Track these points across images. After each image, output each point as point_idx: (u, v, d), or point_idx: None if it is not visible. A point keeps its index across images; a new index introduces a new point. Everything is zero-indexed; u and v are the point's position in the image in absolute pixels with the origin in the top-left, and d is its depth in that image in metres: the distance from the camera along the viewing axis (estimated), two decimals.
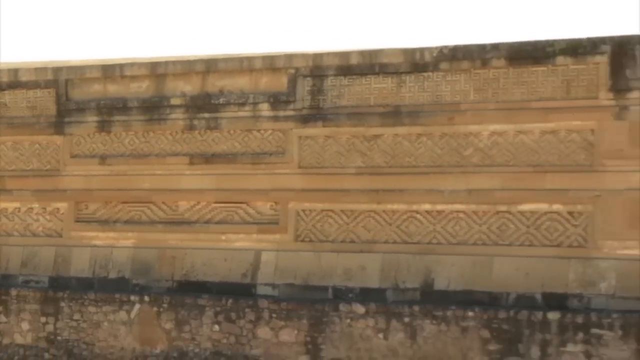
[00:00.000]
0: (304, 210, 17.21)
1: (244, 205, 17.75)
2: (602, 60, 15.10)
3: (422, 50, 16.26)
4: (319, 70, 17.09)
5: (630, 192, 14.93)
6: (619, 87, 14.97)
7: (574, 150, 15.39)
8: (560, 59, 15.37)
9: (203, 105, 17.97)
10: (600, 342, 14.33)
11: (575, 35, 16.03)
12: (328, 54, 17.11)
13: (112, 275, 18.65)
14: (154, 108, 18.40)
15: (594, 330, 14.40)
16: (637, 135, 14.85)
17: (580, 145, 15.34)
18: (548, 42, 15.57)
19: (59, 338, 18.16)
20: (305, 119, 17.10)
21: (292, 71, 17.28)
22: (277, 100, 17.35)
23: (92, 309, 17.91)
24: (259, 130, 17.59)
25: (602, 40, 15.19)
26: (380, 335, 15.53)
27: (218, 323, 16.79)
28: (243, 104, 17.67)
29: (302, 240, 17.17)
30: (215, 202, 17.93)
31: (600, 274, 15.07)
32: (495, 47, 15.85)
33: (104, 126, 18.81)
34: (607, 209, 15.11)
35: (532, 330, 14.65)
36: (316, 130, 17.04)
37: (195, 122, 18.06)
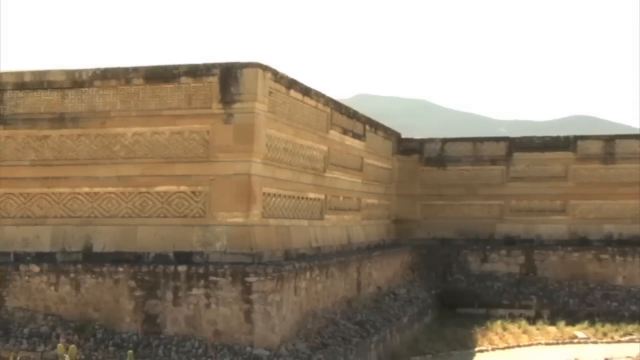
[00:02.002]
0: None
1: None
2: (214, 80, 21.16)
3: (80, 71, 21.80)
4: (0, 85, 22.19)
5: (236, 176, 21.11)
6: (226, 100, 21.07)
7: (195, 146, 21.36)
8: (183, 79, 21.39)
9: None
10: (217, 286, 19.63)
11: (196, 61, 22.39)
12: (6, 73, 22.46)
13: None
14: None
15: (212, 278, 19.69)
16: (239, 135, 21.03)
17: (199, 142, 21.41)
18: (174, 66, 21.57)
19: None
20: None
21: None
22: None
23: None
24: None
25: (214, 66, 21.28)
26: (52, 288, 20.55)
27: None
28: None
29: None
30: None
31: (215, 236, 21.05)
32: (136, 69, 21.66)
33: None
34: (220, 189, 21.14)
35: (167, 279, 19.96)
36: None
37: None
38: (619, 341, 30.41)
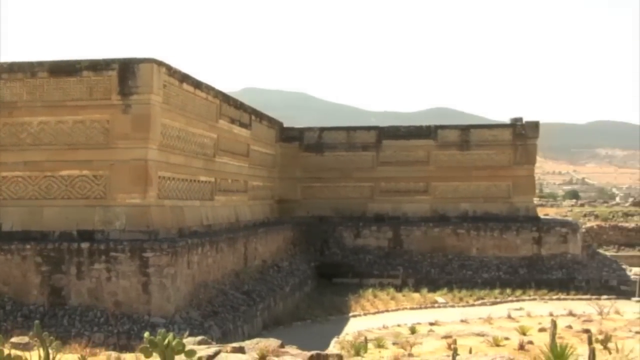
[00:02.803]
0: None
1: None
2: (113, 74, 21.42)
3: None
4: None
5: (134, 161, 21.47)
6: (124, 92, 21.39)
7: (96, 134, 21.58)
8: (85, 73, 21.50)
9: None
10: (117, 261, 20.01)
11: (97, 56, 22.60)
12: None
13: None
14: None
15: (112, 254, 20.05)
16: (136, 124, 21.37)
17: (100, 130, 21.63)
18: (77, 61, 21.65)
19: None
20: None
21: None
22: None
23: None
24: None
25: (113, 61, 21.53)
26: None
27: None
28: None
29: None
30: None
31: (115, 216, 21.39)
32: (41, 63, 21.63)
33: None
34: (119, 173, 21.46)
35: (71, 255, 20.18)
36: None
37: None
38: (473, 305, 31.73)
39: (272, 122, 39.53)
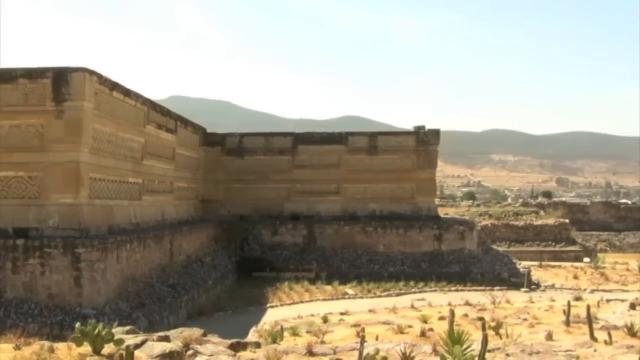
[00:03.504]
0: None
1: None
2: (47, 82, 21.20)
3: None
4: None
5: (66, 163, 21.31)
6: (58, 99, 21.21)
7: (31, 138, 21.32)
8: (21, 80, 21.22)
9: None
10: (50, 256, 19.91)
11: (31, 64, 22.29)
12: None
13: None
14: None
15: (46, 250, 19.93)
16: (69, 128, 21.22)
17: (35, 134, 21.39)
18: (13, 69, 21.34)
19: None
20: None
21: None
22: None
23: None
24: None
25: (47, 70, 21.30)
26: None
27: None
28: None
29: None
30: None
31: (49, 214, 21.17)
32: None
33: None
34: (53, 174, 21.27)
35: (7, 251, 19.95)
36: None
37: None
38: (380, 296, 32.31)
39: (196, 128, 39.49)
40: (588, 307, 18.57)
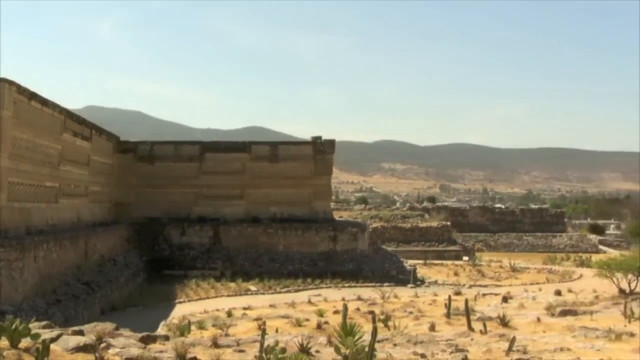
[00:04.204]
0: None
1: None
2: None
3: None
4: None
5: None
6: None
7: None
8: None
9: None
10: None
11: None
12: None
13: None
14: None
15: None
16: None
17: None
18: None
19: None
20: None
21: None
22: None
23: None
24: None
25: None
26: None
27: None
28: None
29: None
30: None
31: None
32: None
33: None
34: None
35: None
36: None
37: None
38: (280, 292, 32.79)
39: (111, 136, 39.11)
40: (466, 301, 19.70)
